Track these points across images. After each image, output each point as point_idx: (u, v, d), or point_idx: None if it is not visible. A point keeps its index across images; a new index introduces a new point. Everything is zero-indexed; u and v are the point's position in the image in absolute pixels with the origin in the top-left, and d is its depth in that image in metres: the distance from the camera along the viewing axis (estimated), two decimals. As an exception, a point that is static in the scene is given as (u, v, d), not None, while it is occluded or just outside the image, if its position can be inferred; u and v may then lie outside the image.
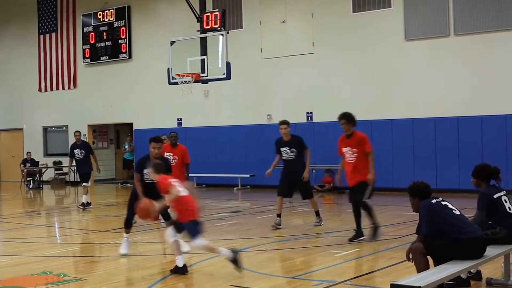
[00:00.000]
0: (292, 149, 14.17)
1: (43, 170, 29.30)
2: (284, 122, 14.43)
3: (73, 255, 11.91)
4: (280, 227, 14.17)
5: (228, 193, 22.90)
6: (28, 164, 29.23)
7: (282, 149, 14.31)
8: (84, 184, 19.27)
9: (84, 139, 21.85)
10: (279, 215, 14.36)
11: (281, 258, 11.06)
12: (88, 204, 19.21)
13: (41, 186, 28.64)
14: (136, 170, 11.39)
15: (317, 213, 14.44)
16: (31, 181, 28.70)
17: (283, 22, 23.68)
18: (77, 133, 19.76)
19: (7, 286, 9.16)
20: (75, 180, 20.34)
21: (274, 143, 14.54)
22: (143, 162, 11.03)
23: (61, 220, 17.79)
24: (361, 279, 9.10)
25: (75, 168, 20.42)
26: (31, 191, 27.48)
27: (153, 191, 10.56)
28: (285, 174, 14.47)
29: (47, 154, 31.47)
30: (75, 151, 19.35)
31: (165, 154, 15.29)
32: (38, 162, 29.78)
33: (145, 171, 10.93)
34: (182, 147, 15.57)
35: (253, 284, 8.91)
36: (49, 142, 31.76)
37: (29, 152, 29.94)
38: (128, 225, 11.61)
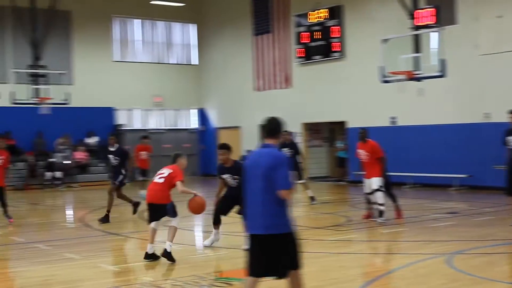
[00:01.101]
0: None
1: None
2: None
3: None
4: None
5: (443, 194, 22.37)
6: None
7: (510, 138, 13.84)
8: (299, 181, 19.80)
9: (294, 139, 22.20)
10: None
11: (501, 262, 10.65)
12: (313, 199, 19.77)
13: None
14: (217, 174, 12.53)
15: None
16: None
17: (500, 16, 22.72)
18: (285, 133, 20.23)
19: (226, 277, 9.55)
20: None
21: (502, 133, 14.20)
22: (218, 168, 12.27)
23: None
24: None
25: None
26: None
27: (238, 194, 11.38)
28: (510, 166, 13.98)
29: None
30: (283, 150, 19.88)
31: (358, 151, 15.28)
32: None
33: (223, 176, 12.04)
34: (371, 143, 15.24)
35: (471, 288, 8.68)
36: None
37: (250, 151, 30.87)
38: (215, 221, 12.34)
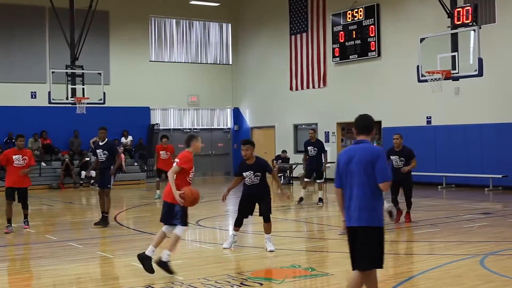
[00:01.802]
0: None
1: (294, 166, 30.15)
2: None
3: (321, 250, 12.14)
4: None
5: (478, 194, 22.13)
6: (279, 161, 30.22)
7: None
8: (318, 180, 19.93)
9: (319, 138, 22.12)
10: None
11: (535, 263, 10.49)
12: (320, 200, 19.85)
13: (291, 182, 29.48)
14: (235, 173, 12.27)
15: None
16: (282, 177, 29.63)
17: (540, 15, 22.43)
18: (311, 131, 20.28)
19: (257, 277, 9.52)
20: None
21: None
22: (241, 165, 11.95)
23: (309, 216, 18.19)
24: None
25: (307, 164, 20.58)
26: (281, 187, 28.30)
27: (258, 192, 11.70)
28: None
29: (297, 151, 32.32)
30: (308, 148, 19.88)
31: None
32: (289, 158, 30.67)
33: (245, 173, 11.72)
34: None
35: (504, 289, 8.56)
36: (299, 139, 32.59)
37: (285, 151, 30.78)
38: (237, 224, 12.04)
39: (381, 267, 6.89)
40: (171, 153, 21.85)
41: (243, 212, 11.97)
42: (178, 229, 9.82)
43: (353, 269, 6.96)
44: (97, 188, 16.70)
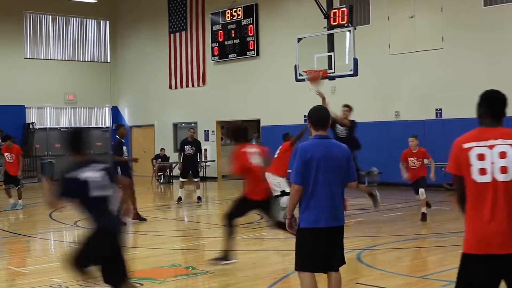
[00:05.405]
0: None
1: (173, 165, 30.02)
2: None
3: (201, 249, 12.14)
4: None
5: (354, 191, 22.63)
6: (159, 160, 30.02)
7: None
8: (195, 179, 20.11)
9: (196, 137, 22.12)
10: None
11: (409, 257, 10.86)
12: (199, 198, 20.06)
13: (171, 180, 29.34)
14: None
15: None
16: (162, 176, 29.45)
17: (412, 17, 23.22)
18: (192, 130, 20.46)
19: (138, 277, 9.41)
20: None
21: None
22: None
23: (190, 214, 18.18)
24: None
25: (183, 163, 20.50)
26: (161, 186, 28.21)
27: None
28: None
29: (177, 149, 32.15)
30: (186, 147, 19.97)
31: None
32: (168, 157, 30.53)
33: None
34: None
35: (381, 282, 8.80)
36: (179, 138, 32.47)
37: (163, 149, 30.58)
38: None
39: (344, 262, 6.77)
40: (17, 155, 19.04)
41: None
42: None
43: (325, 271, 6.62)
44: None
